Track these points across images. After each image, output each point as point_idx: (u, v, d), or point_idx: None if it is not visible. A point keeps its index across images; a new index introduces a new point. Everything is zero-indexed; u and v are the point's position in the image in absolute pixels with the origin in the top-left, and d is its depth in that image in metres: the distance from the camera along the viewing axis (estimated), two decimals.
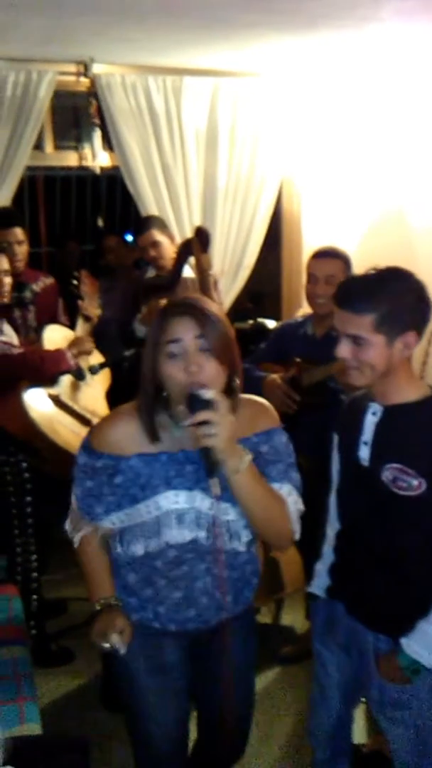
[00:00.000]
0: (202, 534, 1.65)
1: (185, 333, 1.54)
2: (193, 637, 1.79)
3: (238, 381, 1.65)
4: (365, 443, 1.74)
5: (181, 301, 1.65)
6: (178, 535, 1.64)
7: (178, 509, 1.62)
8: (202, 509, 1.63)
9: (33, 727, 2.04)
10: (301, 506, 1.70)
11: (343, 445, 1.85)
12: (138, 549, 1.67)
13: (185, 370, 1.54)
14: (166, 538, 1.64)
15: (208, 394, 1.51)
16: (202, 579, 1.71)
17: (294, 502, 1.68)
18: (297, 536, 1.70)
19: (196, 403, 1.51)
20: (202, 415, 1.49)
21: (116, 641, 1.66)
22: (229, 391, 1.61)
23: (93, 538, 1.77)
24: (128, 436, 1.64)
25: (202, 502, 1.62)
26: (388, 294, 1.62)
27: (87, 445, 1.69)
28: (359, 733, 2.51)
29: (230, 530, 1.67)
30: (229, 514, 1.64)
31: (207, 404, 1.51)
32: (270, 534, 1.72)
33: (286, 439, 1.74)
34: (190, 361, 1.53)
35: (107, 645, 1.66)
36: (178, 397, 1.57)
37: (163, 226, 3.59)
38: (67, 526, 1.83)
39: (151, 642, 1.77)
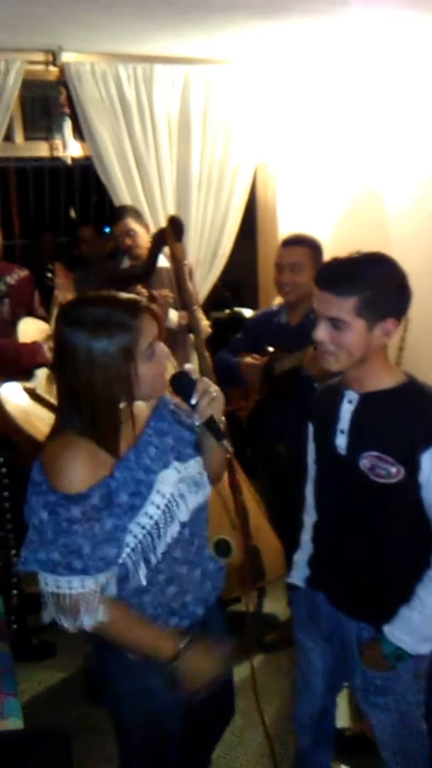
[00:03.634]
0: (196, 495, 1.67)
1: (155, 328, 1.54)
2: (202, 619, 1.75)
3: None
4: (342, 431, 1.73)
5: (126, 302, 1.53)
6: (185, 510, 1.62)
7: (174, 486, 1.61)
8: (186, 474, 1.65)
9: (14, 722, 2.03)
10: None
11: (318, 434, 1.85)
12: (158, 552, 1.58)
13: (162, 363, 1.57)
14: (180, 519, 1.61)
15: (188, 366, 1.61)
16: (204, 546, 1.75)
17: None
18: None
19: (187, 382, 1.61)
20: (202, 386, 1.61)
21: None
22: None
23: (110, 602, 1.56)
24: (95, 458, 1.51)
25: (184, 468, 1.65)
26: (373, 278, 1.60)
27: (67, 498, 1.47)
28: (342, 718, 2.53)
29: (204, 479, 1.72)
30: (201, 465, 1.71)
31: (193, 378, 1.62)
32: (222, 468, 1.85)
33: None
34: (165, 351, 1.57)
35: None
36: (151, 393, 1.60)
37: (137, 216, 3.57)
38: (62, 620, 1.54)
39: None
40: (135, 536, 1.55)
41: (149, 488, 1.57)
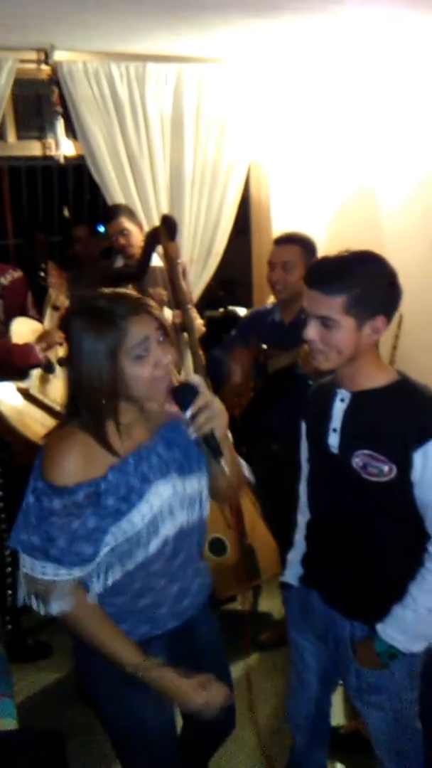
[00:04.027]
0: (185, 515, 1.65)
1: (148, 331, 1.50)
2: (174, 636, 1.75)
3: None
4: (334, 430, 1.73)
5: (125, 301, 1.54)
6: (172, 526, 1.61)
7: (165, 500, 1.60)
8: (183, 490, 1.63)
9: (8, 723, 2.02)
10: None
11: (311, 432, 1.85)
12: (136, 560, 1.59)
13: (156, 366, 1.50)
14: (164, 533, 1.60)
15: (195, 379, 1.52)
16: (190, 564, 1.72)
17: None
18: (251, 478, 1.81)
19: (188, 393, 1.51)
20: (201, 400, 1.51)
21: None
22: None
23: (82, 595, 1.58)
24: (90, 456, 1.53)
25: (180, 484, 1.62)
26: (361, 276, 1.60)
27: (52, 490, 1.50)
28: (337, 715, 2.54)
29: (202, 498, 1.69)
30: (203, 484, 1.67)
31: (196, 391, 1.52)
32: (234, 489, 1.78)
33: None
34: (161, 355, 1.51)
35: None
36: (147, 397, 1.54)
37: (131, 215, 3.56)
38: (32, 601, 1.57)
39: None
40: (115, 539, 1.55)
41: (140, 496, 1.56)
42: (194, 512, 1.67)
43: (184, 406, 1.52)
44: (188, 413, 1.51)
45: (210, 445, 1.55)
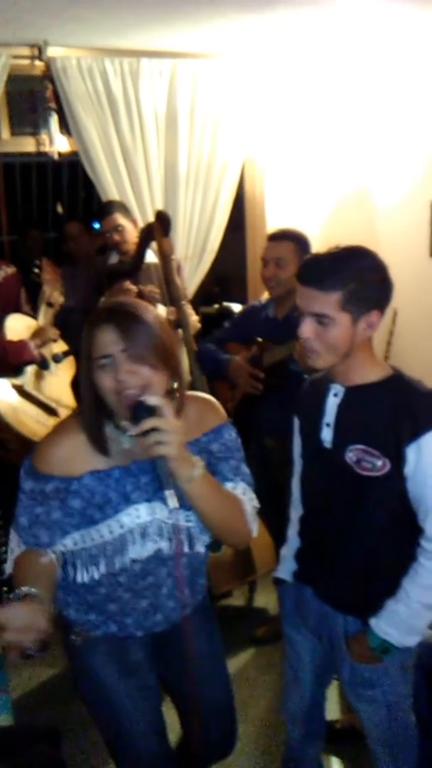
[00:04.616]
0: (165, 544, 1.62)
1: (111, 346, 1.47)
2: (157, 636, 1.78)
3: (176, 385, 1.57)
4: (328, 425, 1.73)
5: (106, 308, 1.54)
6: (142, 549, 1.60)
7: (140, 524, 1.58)
8: (164, 519, 1.60)
9: (4, 719, 2.03)
10: (256, 503, 1.68)
11: (304, 427, 1.85)
12: (100, 569, 1.59)
13: (118, 381, 1.47)
14: (131, 554, 1.59)
15: (152, 400, 1.44)
16: (165, 585, 1.69)
17: (249, 501, 1.66)
18: (255, 534, 1.68)
19: (141, 411, 1.42)
20: (150, 422, 1.41)
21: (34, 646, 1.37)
22: (171, 393, 1.55)
23: (35, 555, 1.56)
24: (76, 453, 1.54)
25: (162, 511, 1.59)
26: (355, 271, 1.60)
27: (31, 469, 1.56)
28: (332, 710, 2.54)
29: (192, 535, 1.64)
30: (190, 520, 1.61)
31: (152, 411, 1.42)
32: (227, 536, 1.68)
33: (235, 433, 1.72)
34: (119, 371, 1.46)
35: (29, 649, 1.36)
36: (117, 409, 1.50)
37: (126, 211, 3.55)
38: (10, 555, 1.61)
39: (115, 646, 1.74)
40: (83, 541, 1.57)
41: (114, 511, 1.56)
42: (176, 545, 1.62)
43: (135, 423, 1.43)
44: (133, 431, 1.43)
45: (158, 469, 1.46)
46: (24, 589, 1.43)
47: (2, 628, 1.30)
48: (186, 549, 1.63)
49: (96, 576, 1.60)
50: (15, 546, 1.60)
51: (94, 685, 1.76)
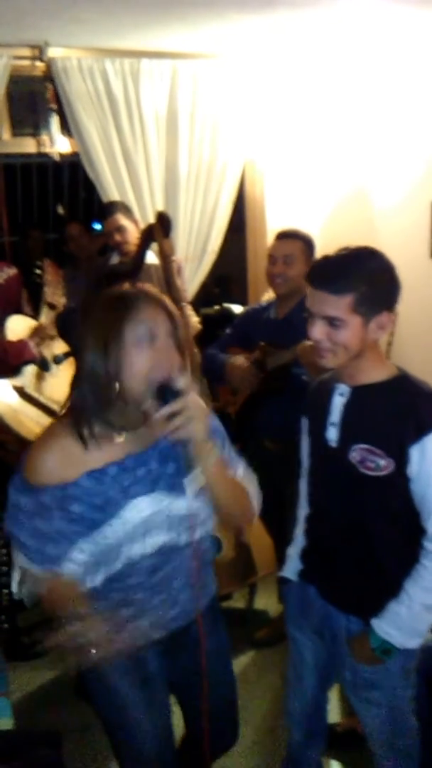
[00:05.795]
0: (170, 535, 1.60)
1: (161, 326, 1.46)
2: (172, 638, 1.72)
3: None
4: (333, 424, 1.73)
5: (141, 291, 1.52)
6: (150, 544, 1.57)
7: (144, 518, 1.55)
8: (168, 509, 1.57)
9: (4, 722, 2.02)
10: (256, 484, 1.72)
11: (311, 427, 1.84)
12: (106, 573, 1.56)
13: (157, 364, 1.45)
14: (139, 551, 1.56)
15: (180, 383, 1.44)
16: (178, 576, 1.66)
17: (251, 480, 1.70)
18: (258, 511, 1.72)
19: (168, 394, 1.43)
20: (178, 404, 1.42)
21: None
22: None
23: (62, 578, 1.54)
24: (68, 457, 1.50)
25: (165, 502, 1.56)
26: (366, 274, 1.59)
27: (23, 485, 1.51)
28: (333, 713, 2.54)
29: (197, 522, 1.63)
30: (197, 507, 1.61)
31: (179, 394, 1.43)
32: (237, 514, 1.72)
33: (217, 420, 1.73)
34: (163, 352, 1.46)
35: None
36: (141, 393, 1.46)
37: (127, 211, 3.55)
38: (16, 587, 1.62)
39: (133, 655, 1.68)
40: (82, 551, 1.53)
41: (117, 509, 1.52)
42: (183, 535, 1.61)
43: (162, 404, 1.44)
44: (162, 412, 1.43)
45: (183, 452, 1.47)
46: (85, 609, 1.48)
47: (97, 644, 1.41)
48: (196, 533, 1.63)
49: (105, 578, 1.56)
50: (25, 564, 1.56)
51: (107, 692, 1.71)
